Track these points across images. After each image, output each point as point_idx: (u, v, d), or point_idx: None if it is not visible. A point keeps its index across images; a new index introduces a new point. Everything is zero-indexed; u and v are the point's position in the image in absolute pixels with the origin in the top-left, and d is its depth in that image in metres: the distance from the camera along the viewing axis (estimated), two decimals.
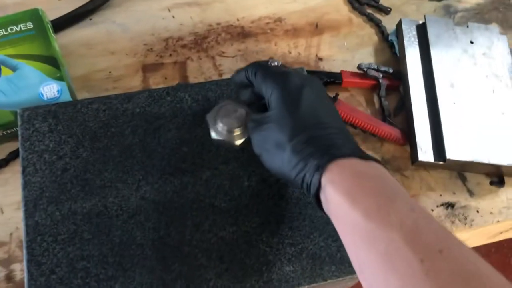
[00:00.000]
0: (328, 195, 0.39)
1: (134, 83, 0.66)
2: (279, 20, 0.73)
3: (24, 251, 0.47)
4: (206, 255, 0.49)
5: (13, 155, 0.59)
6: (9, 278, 0.53)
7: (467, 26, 0.70)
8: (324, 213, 0.41)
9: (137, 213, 0.50)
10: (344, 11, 0.75)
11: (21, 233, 0.55)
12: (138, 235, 0.49)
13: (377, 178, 0.39)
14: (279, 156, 0.42)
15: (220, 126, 0.49)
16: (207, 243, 0.49)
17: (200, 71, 0.67)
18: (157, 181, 0.52)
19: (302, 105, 0.43)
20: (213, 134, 0.50)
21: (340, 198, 0.37)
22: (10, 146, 0.60)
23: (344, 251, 0.42)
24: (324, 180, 0.39)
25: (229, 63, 0.68)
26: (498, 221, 0.62)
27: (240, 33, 0.71)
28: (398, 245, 0.33)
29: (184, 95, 0.56)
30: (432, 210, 0.61)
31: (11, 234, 0.55)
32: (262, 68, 0.47)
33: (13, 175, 0.58)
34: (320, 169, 0.39)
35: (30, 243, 0.48)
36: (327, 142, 0.41)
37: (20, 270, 0.54)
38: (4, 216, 0.56)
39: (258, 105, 0.49)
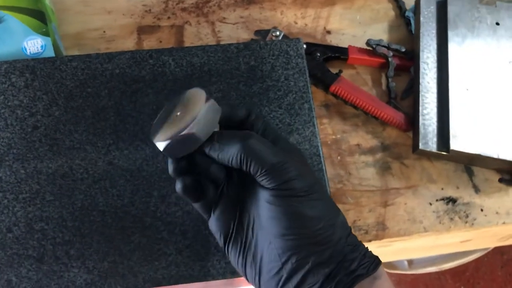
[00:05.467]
0: None
1: (128, 45, 0.63)
2: None
3: None
4: (168, 229, 0.46)
5: None
6: None
7: (495, 6, 0.63)
8: None
9: (103, 179, 0.48)
10: None
11: None
12: (101, 201, 0.47)
13: None
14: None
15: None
16: (172, 216, 0.47)
17: (197, 36, 0.64)
18: (128, 147, 0.49)
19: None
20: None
21: None
22: None
23: None
24: None
25: (229, 30, 0.64)
26: (504, 223, 0.57)
27: None
28: None
29: (168, 59, 0.53)
30: (430, 204, 0.56)
31: None
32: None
33: None
34: None
35: None
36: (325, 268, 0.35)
37: None
38: None
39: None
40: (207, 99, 0.37)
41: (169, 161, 0.38)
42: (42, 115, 0.50)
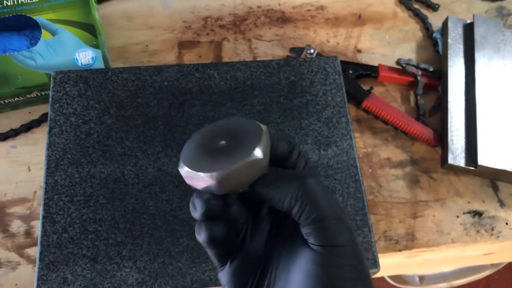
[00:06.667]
0: None
1: (169, 59, 0.66)
2: (321, 8, 0.72)
3: (41, 208, 0.49)
4: None
5: (46, 117, 0.61)
6: (28, 233, 0.55)
7: None
8: None
9: (153, 184, 0.50)
10: (390, 4, 0.73)
11: None
12: (151, 205, 0.50)
13: None
14: None
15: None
16: None
17: (235, 52, 0.67)
18: (176, 154, 0.52)
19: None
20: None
21: None
22: (44, 108, 0.61)
23: None
24: None
25: (265, 47, 0.68)
26: None
27: (280, 18, 0.70)
28: None
29: (213, 73, 0.56)
30: (458, 217, 0.59)
31: (35, 192, 0.57)
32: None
33: (44, 136, 0.60)
34: None
35: (47, 200, 0.49)
36: None
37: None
38: (31, 174, 0.58)
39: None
40: (257, 124, 0.31)
41: (197, 201, 0.31)
42: (95, 123, 0.53)
